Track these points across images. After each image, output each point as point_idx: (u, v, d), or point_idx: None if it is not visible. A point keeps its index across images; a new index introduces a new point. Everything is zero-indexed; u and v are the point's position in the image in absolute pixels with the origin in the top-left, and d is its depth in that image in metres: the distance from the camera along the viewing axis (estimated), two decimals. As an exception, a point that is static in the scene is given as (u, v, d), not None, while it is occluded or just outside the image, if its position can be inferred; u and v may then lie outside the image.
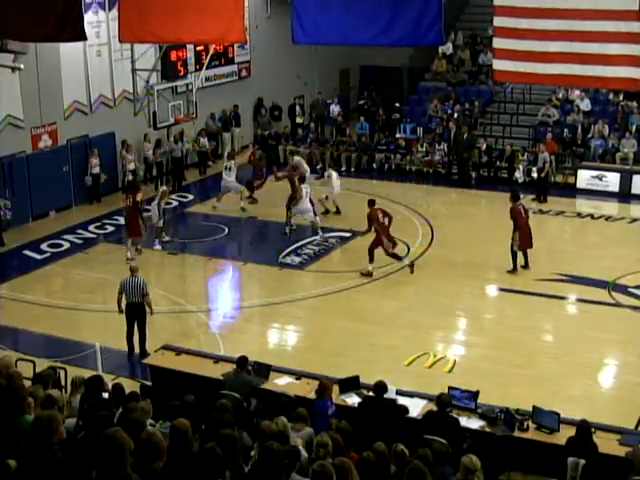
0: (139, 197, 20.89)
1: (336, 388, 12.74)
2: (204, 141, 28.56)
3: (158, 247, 21.37)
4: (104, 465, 5.91)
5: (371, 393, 12.15)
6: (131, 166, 26.05)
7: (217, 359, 14.22)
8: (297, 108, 32.92)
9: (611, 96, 29.38)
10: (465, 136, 27.81)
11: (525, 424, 11.62)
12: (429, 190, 27.11)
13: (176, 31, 18.18)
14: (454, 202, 26.14)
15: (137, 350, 15.97)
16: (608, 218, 24.01)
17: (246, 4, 18.48)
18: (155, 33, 18.51)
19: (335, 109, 32.13)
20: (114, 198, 25.88)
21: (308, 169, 24.64)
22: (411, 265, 19.70)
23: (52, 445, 6.06)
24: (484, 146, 27.58)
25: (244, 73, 31.26)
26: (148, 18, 17.99)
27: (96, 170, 25.38)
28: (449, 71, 33.02)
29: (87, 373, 12.89)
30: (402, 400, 12.31)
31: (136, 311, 15.88)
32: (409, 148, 28.88)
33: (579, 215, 24.20)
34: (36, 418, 6.43)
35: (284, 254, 21.17)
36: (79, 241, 22.44)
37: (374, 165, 28.94)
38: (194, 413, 9.55)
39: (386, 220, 19.62)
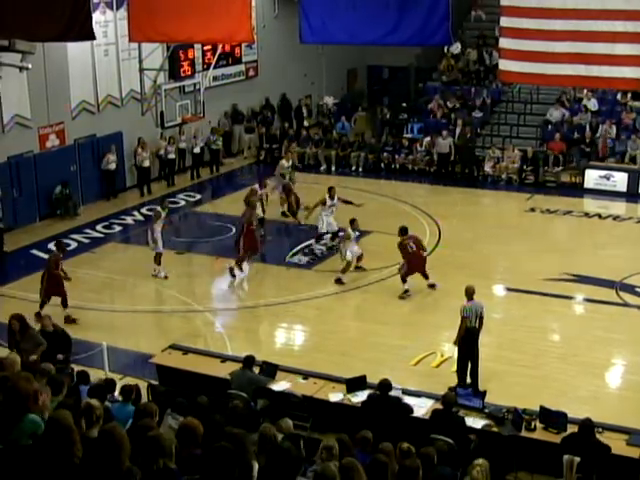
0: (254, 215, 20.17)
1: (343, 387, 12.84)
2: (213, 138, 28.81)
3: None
4: (104, 460, 5.96)
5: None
6: (145, 163, 26.34)
7: (224, 358, 14.25)
8: (304, 110, 32.98)
9: (619, 96, 29.33)
10: (469, 136, 27.94)
11: (532, 424, 11.62)
12: (434, 190, 27.10)
13: (185, 31, 18.23)
14: (459, 202, 26.10)
15: None
16: (616, 218, 23.98)
17: (253, 3, 18.45)
18: (164, 33, 18.57)
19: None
20: (123, 197, 26.13)
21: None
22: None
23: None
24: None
25: (251, 73, 31.30)
26: (157, 18, 18.05)
27: (112, 166, 25.61)
28: (456, 70, 32.98)
29: (94, 372, 12.95)
30: (408, 399, 12.32)
31: None
32: (411, 147, 28.91)
33: (587, 215, 24.17)
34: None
35: (291, 254, 21.20)
36: (86, 241, 22.49)
37: (382, 165, 28.99)
38: (205, 414, 9.59)
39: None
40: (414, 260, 18.39)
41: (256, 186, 22.45)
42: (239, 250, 19.75)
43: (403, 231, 18.54)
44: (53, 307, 17.38)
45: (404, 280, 18.43)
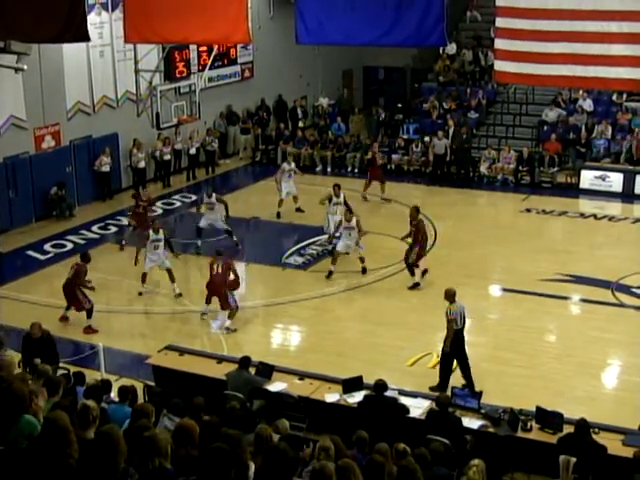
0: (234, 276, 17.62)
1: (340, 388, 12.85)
2: (210, 139, 28.84)
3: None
4: (100, 461, 5.96)
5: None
6: (141, 164, 26.39)
7: (220, 359, 14.24)
8: (298, 111, 32.98)
9: (614, 97, 29.38)
10: (464, 137, 27.98)
11: (528, 424, 11.63)
12: (430, 190, 27.09)
13: (181, 31, 18.20)
14: (455, 202, 26.08)
15: None
16: (611, 218, 24.01)
17: (249, 4, 18.41)
18: (160, 34, 18.54)
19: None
20: (118, 198, 26.15)
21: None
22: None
23: None
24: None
25: (247, 74, 31.30)
26: (153, 19, 18.01)
27: (106, 168, 25.62)
28: (452, 71, 33.02)
29: (89, 373, 12.94)
30: (405, 400, 12.33)
31: None
32: (407, 148, 28.92)
33: (582, 215, 24.19)
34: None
35: (287, 254, 21.21)
36: (82, 241, 22.47)
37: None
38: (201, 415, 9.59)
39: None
40: (423, 244, 18.73)
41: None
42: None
43: (418, 210, 18.90)
44: (56, 311, 17.38)
45: (414, 268, 18.70)
